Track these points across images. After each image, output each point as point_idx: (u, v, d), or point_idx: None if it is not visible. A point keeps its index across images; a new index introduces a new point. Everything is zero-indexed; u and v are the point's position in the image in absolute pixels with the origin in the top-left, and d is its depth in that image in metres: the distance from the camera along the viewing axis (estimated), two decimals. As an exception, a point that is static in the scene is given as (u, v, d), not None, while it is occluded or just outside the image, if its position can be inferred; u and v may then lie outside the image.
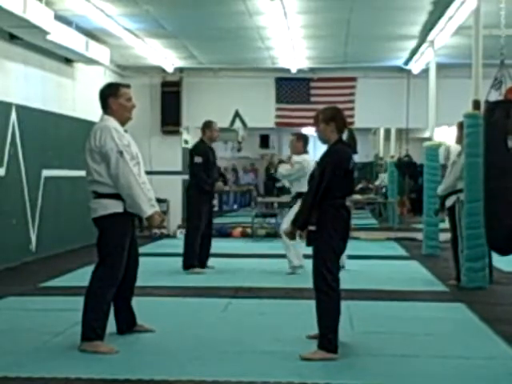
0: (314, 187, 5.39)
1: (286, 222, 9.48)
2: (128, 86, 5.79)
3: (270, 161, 25.28)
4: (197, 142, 10.14)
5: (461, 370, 5.13)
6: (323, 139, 5.60)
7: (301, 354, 5.29)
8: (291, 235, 5.69)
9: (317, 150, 22.24)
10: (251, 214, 15.62)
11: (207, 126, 9.96)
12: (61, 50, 11.25)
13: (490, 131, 6.20)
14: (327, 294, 5.32)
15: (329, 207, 5.35)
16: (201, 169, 9.66)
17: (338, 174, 5.37)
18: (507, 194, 5.99)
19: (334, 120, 5.54)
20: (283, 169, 9.65)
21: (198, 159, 9.69)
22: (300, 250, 9.35)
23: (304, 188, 9.22)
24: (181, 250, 9.84)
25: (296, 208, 9.29)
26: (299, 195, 9.33)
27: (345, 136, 5.61)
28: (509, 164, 5.99)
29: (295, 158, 9.50)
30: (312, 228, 5.39)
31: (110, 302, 5.61)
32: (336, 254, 5.40)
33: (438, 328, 6.47)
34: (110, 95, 5.68)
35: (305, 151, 9.49)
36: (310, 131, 19.34)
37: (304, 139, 9.57)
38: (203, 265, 9.75)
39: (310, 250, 5.53)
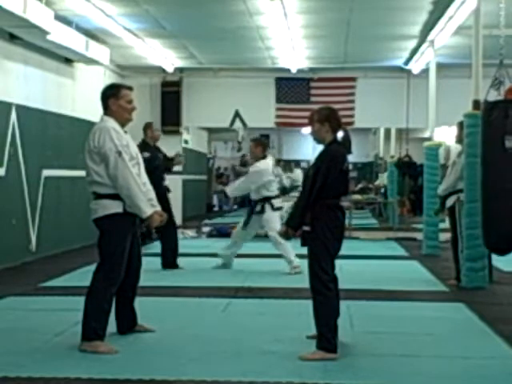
0: (308, 187, 5.37)
1: (272, 230, 9.41)
2: (130, 88, 5.78)
3: (242, 161, 24.85)
4: (140, 142, 10.18)
5: (461, 369, 5.13)
6: (318, 139, 5.60)
7: (300, 355, 5.28)
8: (285, 235, 5.67)
9: (316, 150, 22.27)
10: (251, 214, 15.59)
11: (147, 126, 10.07)
12: (61, 50, 11.25)
13: (488, 131, 6.20)
14: (323, 294, 5.31)
15: (323, 207, 5.35)
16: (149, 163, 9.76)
17: (333, 175, 5.36)
18: (505, 195, 5.99)
19: (329, 120, 5.53)
20: (231, 186, 10.05)
21: (145, 154, 9.72)
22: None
23: (268, 193, 9.45)
24: (181, 250, 9.86)
25: (270, 214, 9.42)
26: (266, 199, 9.45)
27: (340, 136, 5.61)
28: (506, 164, 5.99)
29: (250, 168, 9.74)
30: (306, 228, 5.38)
31: (111, 302, 5.61)
32: (331, 255, 5.39)
33: (438, 328, 6.47)
34: (110, 96, 5.67)
35: (264, 156, 9.63)
36: (309, 131, 19.38)
37: (262, 144, 9.80)
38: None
39: (303, 250, 5.52)
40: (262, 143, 9.82)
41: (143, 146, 9.76)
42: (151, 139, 10.04)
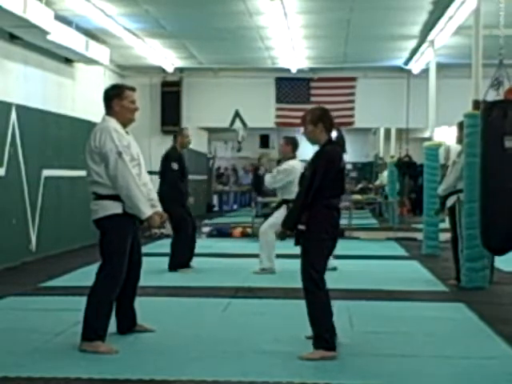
0: (305, 187, 5.37)
1: (266, 224, 9.53)
2: (133, 89, 5.79)
3: (259, 162, 24.55)
4: (169, 149, 10.00)
5: (461, 369, 5.13)
6: (312, 140, 5.57)
7: (300, 355, 5.28)
8: (283, 235, 5.66)
9: (316, 150, 22.22)
10: (251, 214, 15.62)
11: (179, 132, 9.91)
12: (61, 50, 11.25)
13: (487, 131, 6.21)
14: (315, 293, 5.30)
15: (320, 207, 5.34)
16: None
17: (330, 174, 5.36)
18: (503, 194, 5.99)
19: (322, 121, 5.51)
20: (268, 176, 9.70)
21: (174, 166, 9.67)
22: (273, 253, 9.56)
23: (290, 195, 9.33)
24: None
25: (278, 213, 9.39)
26: (284, 202, 9.39)
27: (334, 135, 5.60)
28: (505, 164, 5.99)
29: (282, 165, 9.61)
30: (302, 227, 5.37)
31: (113, 302, 5.61)
32: (325, 255, 5.38)
33: (438, 328, 6.47)
34: (114, 96, 5.66)
35: (293, 156, 9.57)
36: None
37: (293, 143, 9.65)
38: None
39: (297, 250, 5.52)
40: (292, 142, 9.63)
41: (172, 155, 9.73)
42: (180, 145, 9.85)
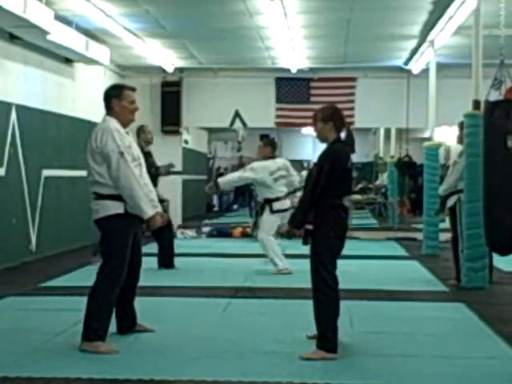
0: (312, 186, 5.37)
1: (260, 232, 9.49)
2: (133, 89, 5.79)
3: (239, 162, 24.20)
4: None
5: (461, 369, 5.13)
6: (321, 138, 5.60)
7: (301, 355, 5.28)
8: (288, 235, 5.67)
9: (316, 150, 22.21)
10: (251, 214, 15.61)
11: (140, 129, 9.67)
12: (61, 50, 11.25)
13: (489, 131, 6.21)
14: (325, 293, 5.31)
15: (327, 206, 5.34)
16: None
17: (337, 173, 5.36)
18: (506, 194, 6.00)
19: (332, 119, 5.53)
20: (230, 176, 10.06)
21: None
22: (280, 252, 9.59)
23: (272, 194, 9.44)
24: (181, 250, 9.84)
25: (265, 217, 9.43)
26: (266, 202, 9.43)
27: (343, 135, 5.61)
28: (508, 164, 5.99)
29: (254, 163, 9.72)
30: (309, 227, 5.38)
31: (114, 303, 5.61)
32: (334, 254, 5.39)
33: (438, 328, 6.47)
34: (113, 97, 5.67)
35: (272, 157, 9.63)
36: (309, 131, 19.33)
37: (272, 144, 9.85)
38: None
39: (305, 250, 5.51)
40: (271, 143, 9.86)
41: None
42: (145, 143, 9.70)
